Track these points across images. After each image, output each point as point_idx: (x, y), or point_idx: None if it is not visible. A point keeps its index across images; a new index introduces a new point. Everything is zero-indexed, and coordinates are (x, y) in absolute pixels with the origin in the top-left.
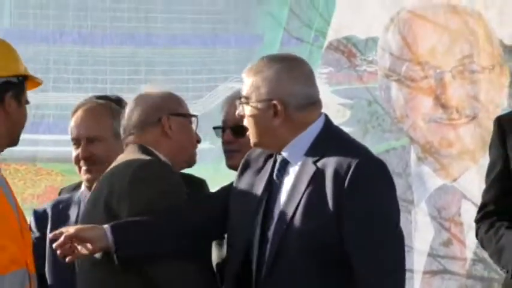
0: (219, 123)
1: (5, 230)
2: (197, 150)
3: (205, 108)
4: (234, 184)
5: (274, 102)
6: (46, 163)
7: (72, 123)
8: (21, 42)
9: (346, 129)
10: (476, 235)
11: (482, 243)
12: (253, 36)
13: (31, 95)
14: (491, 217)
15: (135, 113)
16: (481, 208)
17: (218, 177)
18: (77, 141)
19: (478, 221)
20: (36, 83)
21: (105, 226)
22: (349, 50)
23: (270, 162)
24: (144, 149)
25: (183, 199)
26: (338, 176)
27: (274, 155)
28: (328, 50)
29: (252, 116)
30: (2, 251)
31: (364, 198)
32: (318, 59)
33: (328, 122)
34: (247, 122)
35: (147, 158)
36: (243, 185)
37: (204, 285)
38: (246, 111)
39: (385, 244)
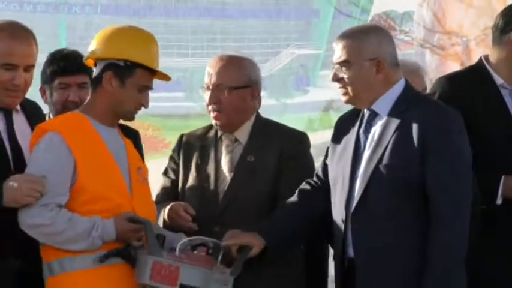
0: (282, 83)
1: (110, 184)
2: (263, 105)
3: (271, 71)
4: (329, 147)
5: (379, 60)
6: None
7: None
8: (116, 15)
9: None
10: None
11: None
12: (310, 11)
13: None
14: None
15: None
16: None
17: None
18: None
19: None
20: (166, 76)
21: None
22: (388, 23)
23: (357, 124)
24: None
25: None
26: (422, 123)
27: (359, 116)
28: (371, 23)
29: (356, 74)
30: (107, 201)
31: (444, 141)
32: None
33: (408, 82)
34: (347, 81)
35: None
36: (337, 145)
37: None
38: (348, 72)
39: (460, 179)
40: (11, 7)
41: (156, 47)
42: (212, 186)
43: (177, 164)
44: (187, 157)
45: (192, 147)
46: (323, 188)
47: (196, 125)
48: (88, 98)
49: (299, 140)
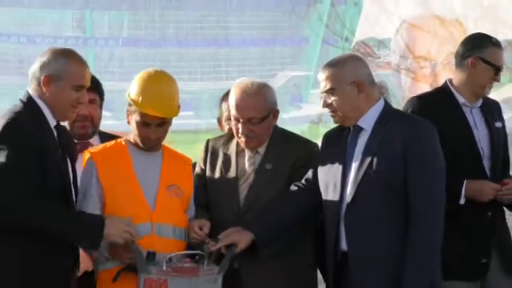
0: (279, 101)
1: (129, 199)
2: None
3: None
4: (319, 158)
5: (359, 82)
6: None
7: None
8: (136, 46)
9: None
10: None
11: None
12: (301, 39)
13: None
14: None
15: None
16: None
17: None
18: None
19: None
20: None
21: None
22: (368, 50)
23: (343, 138)
24: None
25: None
26: (402, 134)
27: (346, 132)
28: (353, 51)
29: (342, 98)
30: (123, 214)
31: (420, 148)
32: None
33: (386, 101)
34: (335, 106)
35: None
36: (326, 156)
37: None
38: (334, 97)
39: (434, 181)
40: (46, 41)
41: (156, 90)
42: (235, 191)
43: (203, 170)
44: (213, 163)
45: (217, 154)
46: (310, 189)
47: (203, 138)
48: None
49: (312, 149)
